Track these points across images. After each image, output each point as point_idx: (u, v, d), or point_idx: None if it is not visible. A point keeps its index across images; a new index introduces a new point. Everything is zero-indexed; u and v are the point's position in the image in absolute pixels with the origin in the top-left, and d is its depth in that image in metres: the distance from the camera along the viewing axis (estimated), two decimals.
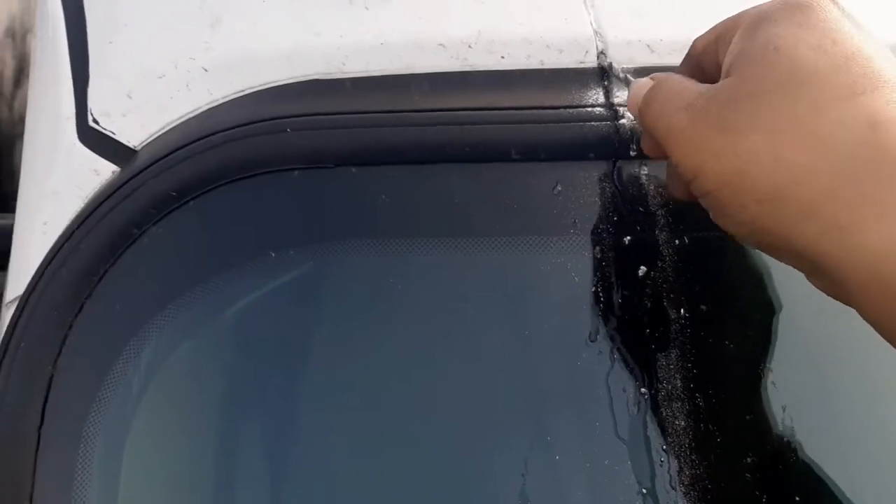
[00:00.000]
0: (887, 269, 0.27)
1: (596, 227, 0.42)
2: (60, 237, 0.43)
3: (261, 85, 0.44)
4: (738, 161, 0.30)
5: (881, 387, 0.43)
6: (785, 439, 0.40)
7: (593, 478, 0.38)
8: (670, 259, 0.41)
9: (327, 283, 0.42)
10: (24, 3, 1.35)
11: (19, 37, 1.34)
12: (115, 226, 0.42)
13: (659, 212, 0.42)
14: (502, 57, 0.44)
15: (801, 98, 0.29)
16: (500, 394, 0.41)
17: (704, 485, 0.38)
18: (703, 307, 0.41)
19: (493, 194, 0.42)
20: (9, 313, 0.43)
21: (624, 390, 0.39)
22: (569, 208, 0.42)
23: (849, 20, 0.31)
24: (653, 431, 0.39)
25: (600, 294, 0.41)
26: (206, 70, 0.45)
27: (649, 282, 0.41)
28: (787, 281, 0.41)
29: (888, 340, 0.29)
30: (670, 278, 0.41)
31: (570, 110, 0.42)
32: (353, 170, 0.42)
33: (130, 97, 0.45)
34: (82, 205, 0.44)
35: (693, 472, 0.39)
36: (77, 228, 0.42)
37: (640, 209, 0.42)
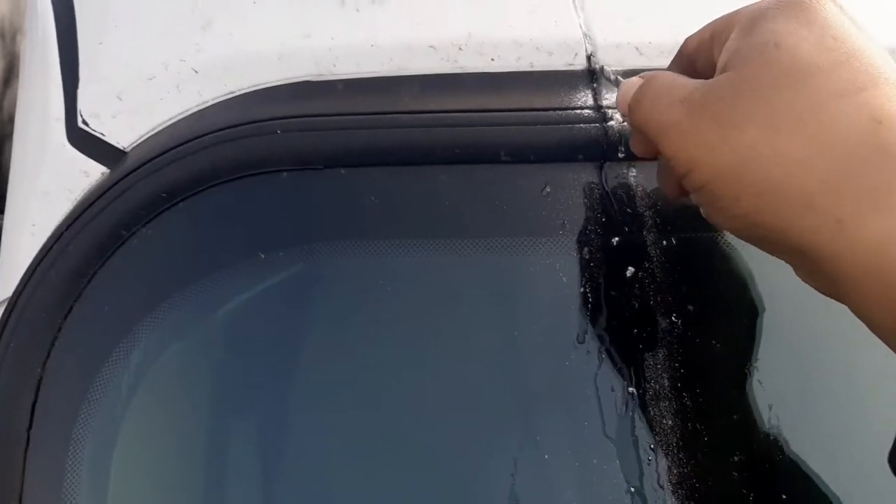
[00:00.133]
0: (884, 263, 0.27)
1: (584, 228, 0.42)
2: (49, 238, 0.43)
3: (251, 87, 0.45)
4: (735, 154, 0.30)
5: (866, 385, 0.43)
6: (771, 438, 0.40)
7: (582, 477, 0.39)
8: (658, 260, 0.41)
9: (317, 284, 0.42)
10: (13, 3, 1.34)
11: (9, 37, 1.34)
12: (104, 227, 0.42)
13: (647, 213, 0.42)
14: (492, 59, 0.45)
15: (802, 93, 0.29)
16: (489, 394, 0.41)
17: (691, 483, 0.39)
18: (690, 307, 0.41)
19: (483, 196, 0.42)
20: None
21: (612, 390, 0.40)
22: (558, 209, 0.42)
23: (848, 19, 0.31)
24: (640, 430, 0.39)
25: (589, 295, 0.41)
26: (196, 72, 0.45)
27: (637, 282, 0.41)
28: (772, 281, 0.42)
29: (880, 337, 0.29)
30: (658, 279, 0.41)
31: (560, 112, 0.43)
32: (343, 171, 0.42)
33: (120, 99, 0.45)
34: (71, 206, 0.44)
35: (680, 470, 0.39)
36: (66, 230, 0.42)
37: (628, 210, 0.42)
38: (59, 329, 0.41)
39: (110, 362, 0.41)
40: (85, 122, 0.45)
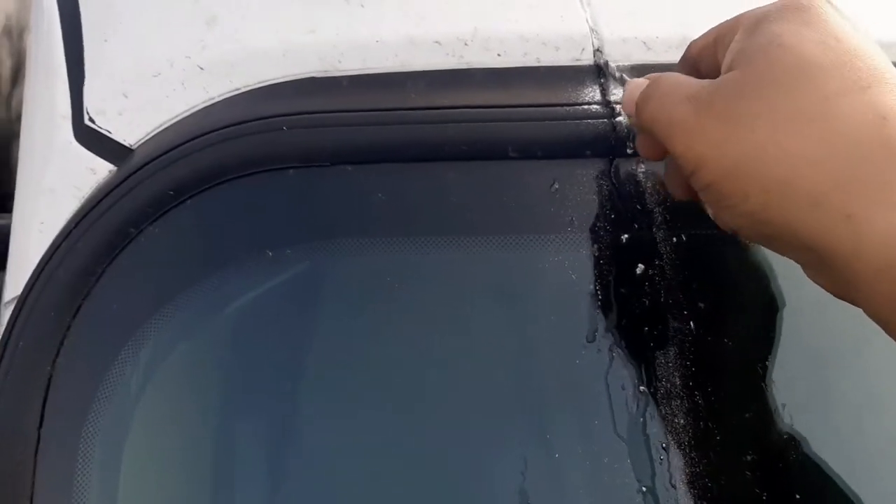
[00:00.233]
0: (895, 259, 0.27)
1: (593, 224, 0.42)
2: (57, 237, 0.43)
3: (257, 83, 0.44)
4: (742, 152, 0.30)
5: (880, 384, 0.43)
6: (784, 437, 0.40)
7: (593, 476, 0.39)
8: (668, 256, 0.41)
9: (324, 281, 0.42)
10: (20, 1, 1.34)
11: (16, 35, 1.34)
12: (112, 225, 0.42)
13: (656, 209, 0.42)
14: (498, 54, 0.44)
15: (809, 90, 0.29)
16: (498, 392, 0.41)
17: (704, 482, 0.39)
18: (702, 304, 0.41)
19: (491, 192, 0.42)
20: (7, 313, 0.43)
21: (623, 388, 0.39)
22: (566, 206, 0.42)
23: (847, 20, 0.31)
24: (652, 429, 0.39)
25: (598, 292, 0.41)
26: (201, 68, 0.45)
27: (647, 279, 0.41)
28: (785, 278, 0.41)
29: (893, 336, 0.29)
30: (668, 276, 0.41)
31: (567, 108, 0.42)
32: (350, 168, 0.42)
33: (126, 96, 0.45)
34: (79, 204, 0.44)
35: (692, 469, 0.39)
36: (74, 228, 0.42)
37: (638, 206, 0.42)
38: (69, 328, 0.41)
39: (119, 360, 0.41)
40: (91, 120, 0.45)
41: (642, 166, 0.42)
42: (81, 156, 0.45)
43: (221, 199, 0.42)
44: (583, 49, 0.44)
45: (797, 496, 0.39)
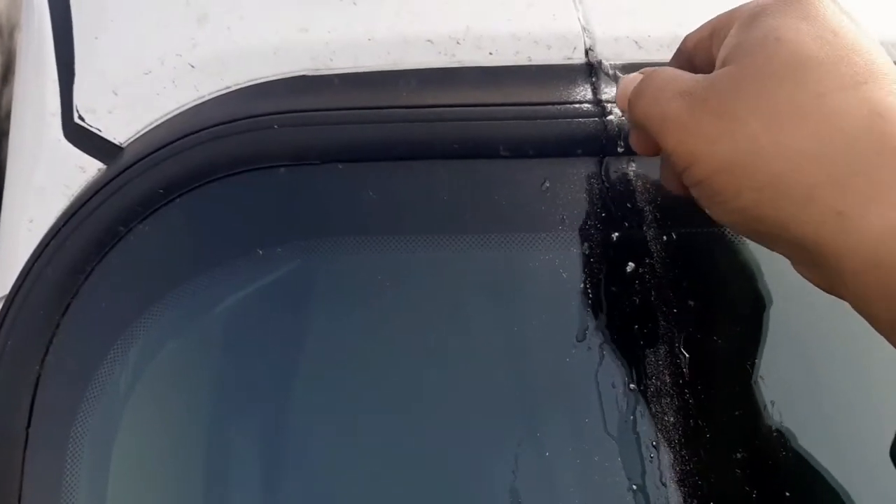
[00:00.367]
0: (885, 256, 0.27)
1: (584, 223, 0.42)
2: (46, 235, 0.42)
3: (248, 81, 0.44)
4: (736, 147, 0.30)
5: (870, 380, 0.43)
6: (774, 434, 0.40)
7: (584, 474, 0.39)
8: (658, 255, 0.41)
9: (315, 280, 0.42)
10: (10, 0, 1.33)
11: (6, 33, 1.33)
12: (101, 223, 0.42)
13: (647, 208, 0.42)
14: (490, 53, 0.44)
15: (804, 85, 0.29)
16: (489, 391, 0.41)
17: (694, 480, 0.39)
18: (692, 303, 0.41)
19: (482, 191, 0.42)
20: None
21: (613, 386, 0.39)
22: (557, 204, 0.42)
23: (845, 15, 0.31)
24: (642, 427, 0.39)
25: (589, 290, 0.41)
26: (192, 66, 0.45)
27: (638, 278, 0.41)
28: (775, 275, 0.42)
29: (880, 331, 0.29)
30: (659, 274, 0.41)
31: (558, 106, 0.42)
32: (340, 166, 0.42)
33: (116, 94, 0.45)
34: (68, 202, 0.44)
35: (682, 467, 0.39)
36: (63, 226, 0.42)
37: (628, 205, 0.42)
38: (57, 326, 0.41)
39: (108, 359, 0.40)
40: (81, 118, 0.45)
41: (633, 165, 0.42)
42: (71, 154, 0.45)
43: (211, 198, 0.42)
44: (574, 48, 0.44)
45: (787, 493, 0.39)
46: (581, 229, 0.41)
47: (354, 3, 0.45)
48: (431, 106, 0.42)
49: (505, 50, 0.44)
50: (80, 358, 0.41)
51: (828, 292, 0.31)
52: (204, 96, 0.44)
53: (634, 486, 0.38)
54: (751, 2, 0.33)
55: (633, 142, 0.38)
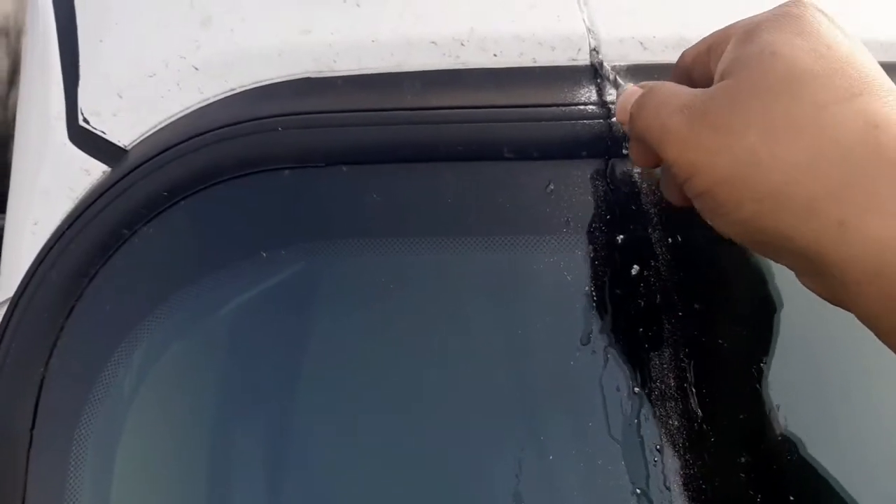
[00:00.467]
0: (887, 266, 0.28)
1: (589, 225, 0.41)
2: (51, 238, 0.43)
3: (252, 83, 0.44)
4: (735, 160, 0.30)
5: (877, 384, 0.43)
6: (779, 438, 0.40)
7: (587, 478, 0.38)
8: (664, 257, 0.41)
9: (319, 282, 0.42)
10: (17, 2, 1.34)
11: (13, 36, 1.34)
12: (105, 226, 0.42)
13: (652, 210, 0.41)
14: (495, 55, 0.44)
15: (800, 98, 0.30)
16: (493, 393, 0.40)
17: (698, 484, 0.38)
18: (697, 305, 0.40)
19: (486, 193, 0.42)
20: (0, 314, 0.43)
21: (617, 389, 0.39)
22: (562, 207, 0.41)
23: (838, 29, 0.32)
24: (646, 431, 0.39)
25: (593, 293, 0.41)
26: (196, 69, 0.45)
27: (643, 280, 0.41)
28: (780, 279, 0.41)
29: (885, 341, 0.30)
30: (664, 277, 0.41)
31: (563, 108, 0.42)
32: (345, 169, 0.42)
33: (121, 96, 0.45)
34: (73, 205, 0.44)
35: (687, 471, 0.38)
36: (67, 229, 0.42)
37: (634, 207, 0.41)
38: (62, 329, 0.41)
39: (112, 362, 0.40)
40: (86, 120, 0.45)
41: (638, 167, 0.42)
42: (75, 156, 0.45)
43: (216, 200, 0.42)
44: (579, 49, 0.44)
45: (791, 498, 0.39)
46: (586, 232, 0.41)
47: (358, 5, 0.45)
48: (436, 108, 0.42)
49: (509, 51, 0.44)
50: (84, 360, 0.41)
51: (832, 304, 0.31)
52: (208, 99, 0.44)
53: (638, 490, 0.38)
54: (746, 18, 0.34)
55: (633, 154, 0.38)
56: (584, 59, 0.44)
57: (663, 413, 0.39)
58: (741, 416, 0.40)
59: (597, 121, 0.42)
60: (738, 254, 0.42)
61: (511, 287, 0.42)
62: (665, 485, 0.38)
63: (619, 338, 0.40)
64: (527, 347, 0.40)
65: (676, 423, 0.39)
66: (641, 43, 0.44)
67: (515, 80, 0.43)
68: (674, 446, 0.39)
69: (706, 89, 0.32)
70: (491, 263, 0.41)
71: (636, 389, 0.39)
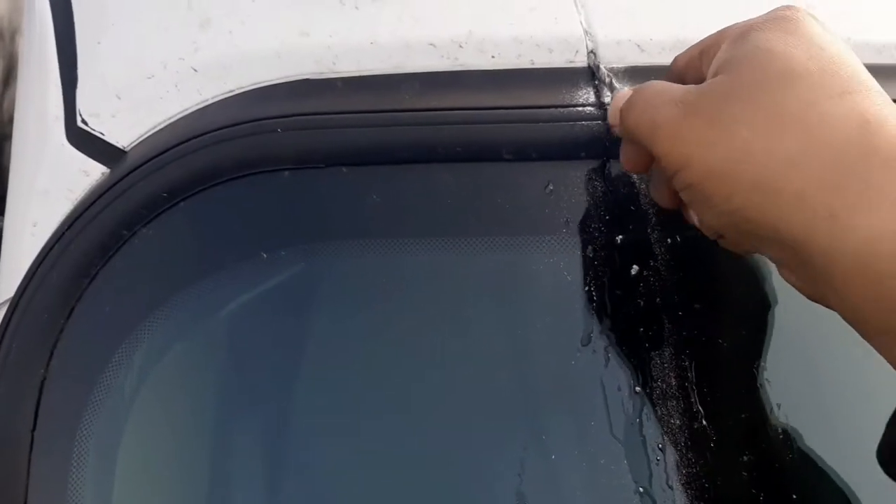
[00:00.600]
0: (873, 260, 0.28)
1: (588, 226, 0.42)
2: (50, 239, 0.43)
3: (251, 85, 0.44)
4: (728, 153, 0.31)
5: (877, 381, 0.43)
6: (780, 436, 0.40)
7: (590, 477, 0.39)
8: (662, 257, 0.41)
9: (319, 283, 0.42)
10: (12, 3, 1.33)
11: (8, 37, 1.33)
12: (105, 227, 0.42)
13: (651, 210, 0.42)
14: (493, 56, 0.44)
15: (793, 93, 0.30)
16: (493, 394, 0.41)
17: (700, 483, 0.39)
18: (696, 305, 0.41)
19: (485, 194, 0.42)
20: (0, 316, 0.43)
21: (618, 389, 0.40)
22: (561, 208, 0.42)
23: (829, 33, 0.32)
24: (647, 430, 0.39)
25: (593, 293, 0.41)
26: (195, 70, 0.45)
27: (642, 281, 0.41)
28: (780, 278, 0.42)
29: (867, 338, 0.30)
30: (663, 277, 0.41)
31: (561, 109, 0.42)
32: (344, 170, 0.42)
33: (119, 98, 0.45)
34: (72, 206, 0.44)
35: (689, 470, 0.39)
36: (67, 230, 0.42)
37: (632, 208, 0.42)
38: (62, 330, 0.41)
39: (113, 363, 0.40)
40: (84, 122, 0.45)
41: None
42: (74, 158, 0.45)
43: (215, 202, 0.42)
44: (577, 51, 0.45)
45: (794, 496, 0.39)
46: (585, 232, 0.41)
47: (357, 8, 0.46)
48: (434, 109, 0.42)
49: (507, 53, 0.44)
50: (84, 362, 0.41)
51: (813, 299, 0.32)
52: (207, 100, 0.44)
53: (641, 489, 0.38)
54: (739, 22, 0.34)
55: (624, 158, 0.38)
56: (581, 61, 0.44)
57: (665, 412, 0.39)
58: (743, 415, 0.40)
59: (595, 122, 0.42)
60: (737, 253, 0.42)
61: (511, 288, 0.42)
62: (668, 484, 0.38)
63: (619, 337, 0.40)
64: (527, 348, 0.41)
65: (678, 422, 0.39)
66: (638, 45, 0.45)
67: (513, 81, 0.44)
68: (676, 445, 0.39)
69: (699, 85, 0.33)
70: (491, 264, 0.42)
71: (637, 389, 0.40)
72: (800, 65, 0.31)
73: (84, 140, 0.45)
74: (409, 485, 0.40)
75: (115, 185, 0.42)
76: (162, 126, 0.44)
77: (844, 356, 0.43)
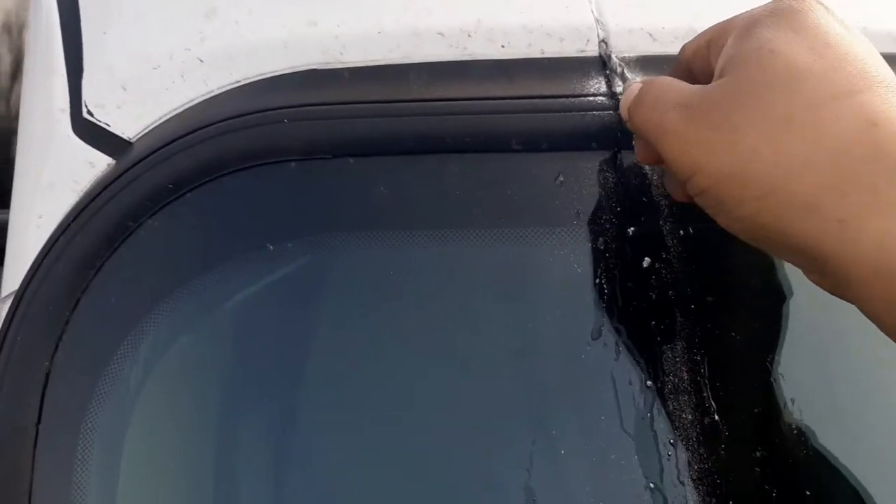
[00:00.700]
0: (887, 263, 0.28)
1: (599, 217, 0.41)
2: (56, 231, 0.42)
3: (257, 75, 0.44)
4: (735, 158, 0.30)
5: (891, 377, 0.43)
6: (794, 432, 0.39)
7: (600, 472, 0.38)
8: (675, 249, 0.41)
9: (325, 275, 0.42)
10: None
11: (15, 31, 1.33)
12: (110, 219, 0.41)
13: (663, 202, 0.41)
14: (502, 46, 0.44)
15: (798, 95, 0.30)
16: (504, 387, 0.40)
17: (712, 478, 0.38)
18: (710, 298, 0.40)
19: (495, 185, 0.41)
20: (5, 308, 0.42)
21: (629, 383, 0.39)
22: (571, 199, 0.41)
23: (839, 23, 0.31)
24: (659, 425, 0.38)
25: (604, 286, 0.40)
26: (201, 61, 0.44)
27: (654, 273, 0.40)
28: (793, 270, 0.41)
29: (890, 336, 0.30)
30: (675, 269, 0.40)
31: (572, 99, 0.42)
32: (352, 161, 0.41)
33: (125, 89, 0.45)
34: (77, 198, 0.43)
35: (700, 465, 0.38)
36: (72, 222, 0.42)
37: (644, 199, 0.41)
38: (67, 322, 0.40)
39: (119, 355, 0.40)
40: (90, 113, 0.45)
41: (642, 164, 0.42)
42: (80, 149, 0.44)
43: (221, 193, 0.42)
44: (588, 40, 0.44)
45: (807, 492, 0.38)
46: (596, 224, 0.41)
47: None
48: (443, 99, 0.42)
49: (517, 42, 0.44)
50: (89, 354, 0.40)
51: (842, 299, 0.31)
52: (213, 91, 0.44)
53: (652, 485, 0.38)
54: (745, 13, 0.33)
55: (637, 151, 0.38)
56: (592, 51, 0.44)
57: (676, 407, 0.39)
58: (755, 410, 0.40)
59: (606, 112, 0.41)
60: (751, 246, 0.42)
61: (520, 280, 0.41)
62: (679, 479, 0.38)
63: (630, 331, 0.40)
64: (537, 341, 0.40)
65: (690, 416, 0.39)
66: (650, 34, 0.44)
67: (523, 71, 0.43)
68: (687, 440, 0.38)
69: (704, 87, 0.32)
70: (500, 256, 0.41)
71: (649, 383, 0.39)
72: (804, 65, 0.30)
73: (90, 131, 0.45)
74: (417, 477, 0.40)
75: (120, 176, 0.42)
76: (168, 117, 0.44)
77: (859, 351, 0.42)
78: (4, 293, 0.44)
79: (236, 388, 0.41)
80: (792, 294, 0.41)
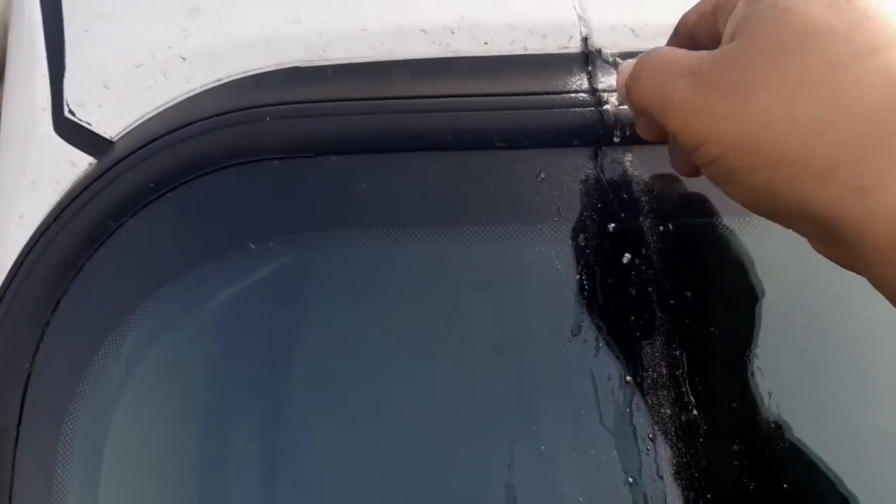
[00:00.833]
0: None
1: (580, 214, 0.41)
2: (37, 231, 0.42)
3: (240, 73, 0.44)
4: (748, 123, 0.28)
5: (868, 371, 0.43)
6: (771, 426, 0.39)
7: (580, 467, 0.38)
8: (654, 246, 0.41)
9: (308, 274, 0.42)
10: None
11: (1, 31, 1.33)
12: (92, 219, 0.41)
13: (643, 198, 0.41)
14: (485, 43, 0.44)
15: (816, 55, 0.28)
16: (485, 383, 0.40)
17: (691, 473, 0.38)
18: (688, 294, 0.40)
19: (477, 182, 0.41)
20: None
21: (609, 378, 0.39)
22: (553, 196, 0.41)
23: None
24: (638, 420, 0.38)
25: (585, 282, 0.40)
26: (183, 59, 0.44)
27: (634, 269, 0.40)
28: (770, 267, 0.41)
29: None
30: (655, 265, 0.40)
31: (554, 96, 0.42)
32: (334, 158, 0.41)
33: (107, 87, 0.44)
34: (59, 197, 0.43)
35: (679, 460, 0.38)
36: (53, 221, 0.42)
37: (624, 196, 0.41)
38: (48, 323, 0.40)
39: (100, 356, 0.40)
40: (71, 112, 0.44)
41: (630, 155, 0.42)
42: (61, 148, 0.44)
43: (203, 191, 0.41)
44: (570, 37, 0.44)
45: (785, 485, 0.38)
46: (577, 220, 0.41)
47: None
48: (426, 96, 0.42)
49: (500, 39, 0.44)
50: (70, 354, 0.40)
51: (847, 268, 0.30)
52: (196, 89, 0.44)
53: (631, 479, 0.38)
54: None
55: (640, 128, 0.37)
56: (575, 47, 0.44)
57: (655, 402, 0.39)
58: (733, 404, 0.40)
59: (588, 109, 0.41)
60: (730, 241, 0.42)
61: (502, 276, 0.41)
62: (658, 474, 0.38)
63: (610, 327, 0.40)
64: (518, 337, 0.40)
65: (668, 411, 0.39)
66: (633, 30, 0.44)
67: (506, 68, 0.43)
68: (666, 435, 0.38)
69: (711, 52, 0.30)
70: (482, 253, 0.41)
71: (628, 379, 0.39)
72: (822, 22, 0.28)
73: (71, 130, 0.44)
74: (400, 473, 0.40)
75: (102, 175, 0.42)
76: (150, 116, 0.44)
77: (836, 344, 0.42)
78: None
79: (218, 387, 0.41)
80: (769, 289, 0.41)
